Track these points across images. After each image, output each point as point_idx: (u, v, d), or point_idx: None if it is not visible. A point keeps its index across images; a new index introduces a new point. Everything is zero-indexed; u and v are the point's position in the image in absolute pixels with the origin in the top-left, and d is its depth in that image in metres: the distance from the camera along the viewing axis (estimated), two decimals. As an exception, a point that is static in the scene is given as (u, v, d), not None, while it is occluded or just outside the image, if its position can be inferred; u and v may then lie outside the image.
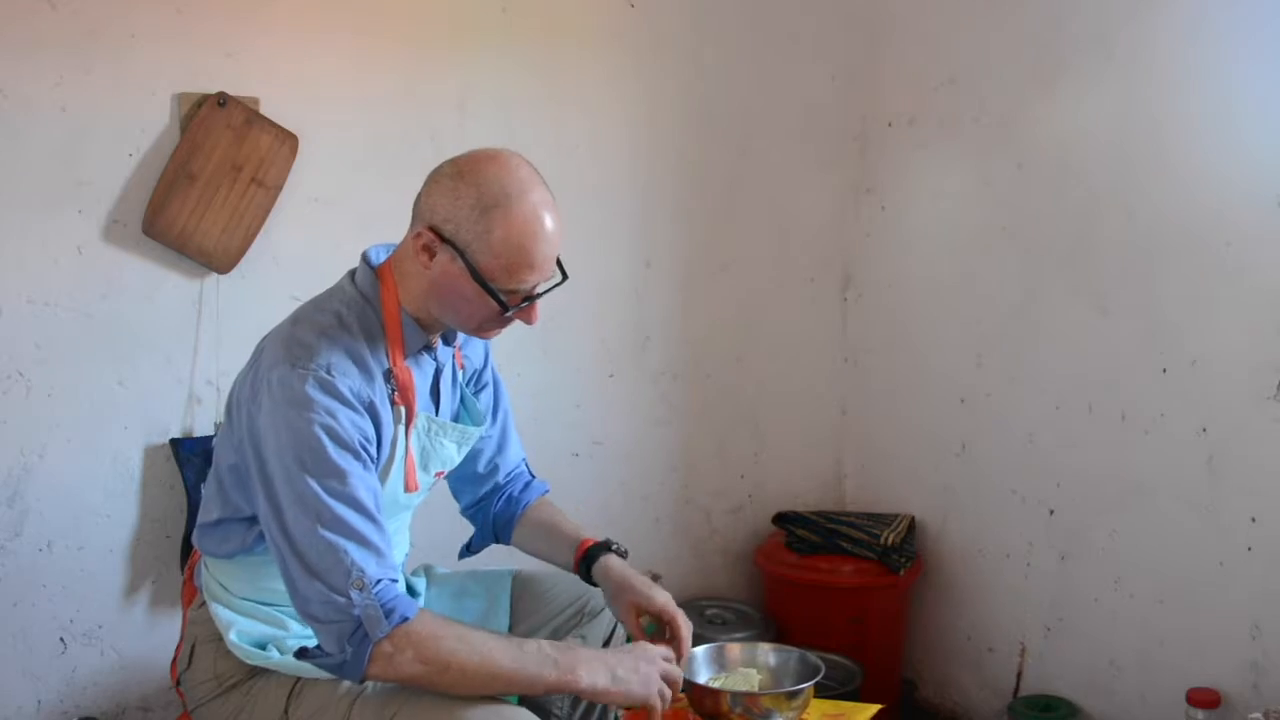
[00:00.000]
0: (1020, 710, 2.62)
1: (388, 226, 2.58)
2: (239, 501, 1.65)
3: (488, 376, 1.94)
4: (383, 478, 1.66)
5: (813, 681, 1.82)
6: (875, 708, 1.98)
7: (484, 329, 1.69)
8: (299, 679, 1.64)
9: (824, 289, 3.22)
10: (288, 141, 2.42)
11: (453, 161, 1.64)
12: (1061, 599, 2.68)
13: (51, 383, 2.29)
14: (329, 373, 1.55)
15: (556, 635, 1.88)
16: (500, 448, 1.97)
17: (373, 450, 1.60)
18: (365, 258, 1.72)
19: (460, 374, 1.85)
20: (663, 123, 2.96)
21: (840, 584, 2.86)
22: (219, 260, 2.39)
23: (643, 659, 1.64)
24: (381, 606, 1.50)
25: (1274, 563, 2.26)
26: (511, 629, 1.91)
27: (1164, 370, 2.43)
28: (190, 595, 1.80)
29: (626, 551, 1.89)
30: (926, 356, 3.01)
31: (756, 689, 1.88)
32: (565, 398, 2.86)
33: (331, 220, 2.53)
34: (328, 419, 1.53)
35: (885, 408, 3.16)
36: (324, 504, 1.51)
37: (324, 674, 1.59)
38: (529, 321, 1.66)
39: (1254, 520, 2.29)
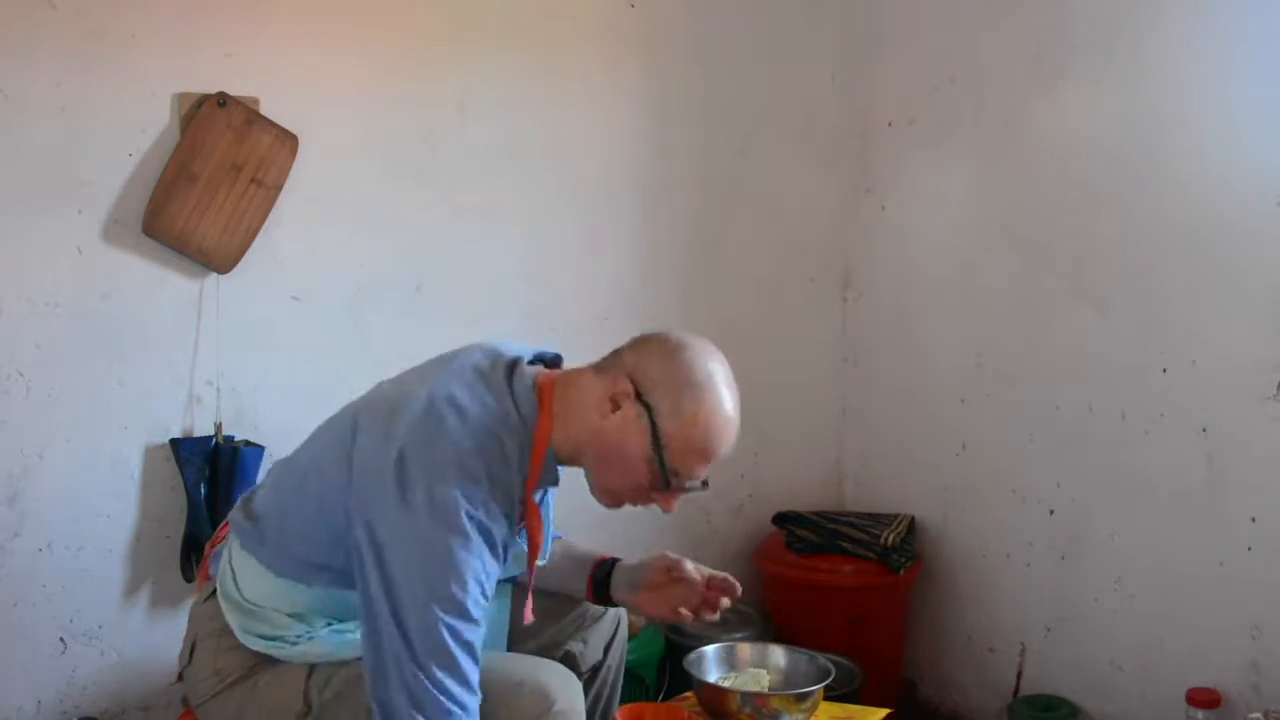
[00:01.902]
0: (1020, 710, 2.62)
1: (388, 226, 2.61)
2: (311, 543, 1.62)
3: None
4: None
5: (823, 684, 1.83)
6: (883, 712, 1.98)
7: (619, 495, 1.66)
8: (312, 667, 1.66)
9: (824, 289, 3.22)
10: (288, 141, 2.42)
11: (671, 334, 1.66)
12: (1061, 599, 2.68)
13: (51, 383, 2.29)
14: (486, 514, 1.53)
15: (558, 643, 1.90)
16: None
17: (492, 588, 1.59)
18: (524, 367, 1.67)
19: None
20: (662, 123, 2.95)
21: (840, 584, 2.85)
22: (219, 260, 2.39)
23: None
24: None
25: (1274, 563, 2.26)
26: (512, 636, 1.91)
27: (1164, 370, 2.43)
28: (202, 580, 1.80)
29: None
30: (926, 356, 3.01)
31: (766, 690, 1.88)
32: (565, 398, 2.86)
33: (331, 220, 2.53)
34: (478, 565, 1.52)
35: (885, 408, 3.16)
36: (456, 657, 1.50)
37: (332, 657, 1.63)
38: (667, 509, 1.65)
39: (1254, 520, 2.29)
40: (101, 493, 2.35)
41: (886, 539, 2.86)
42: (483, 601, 1.54)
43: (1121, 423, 2.52)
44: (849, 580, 2.85)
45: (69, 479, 2.31)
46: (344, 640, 1.68)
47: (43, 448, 2.29)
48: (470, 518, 1.51)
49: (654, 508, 1.68)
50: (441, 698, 1.49)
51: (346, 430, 1.61)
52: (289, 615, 1.68)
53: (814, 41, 3.14)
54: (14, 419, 2.26)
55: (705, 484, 1.64)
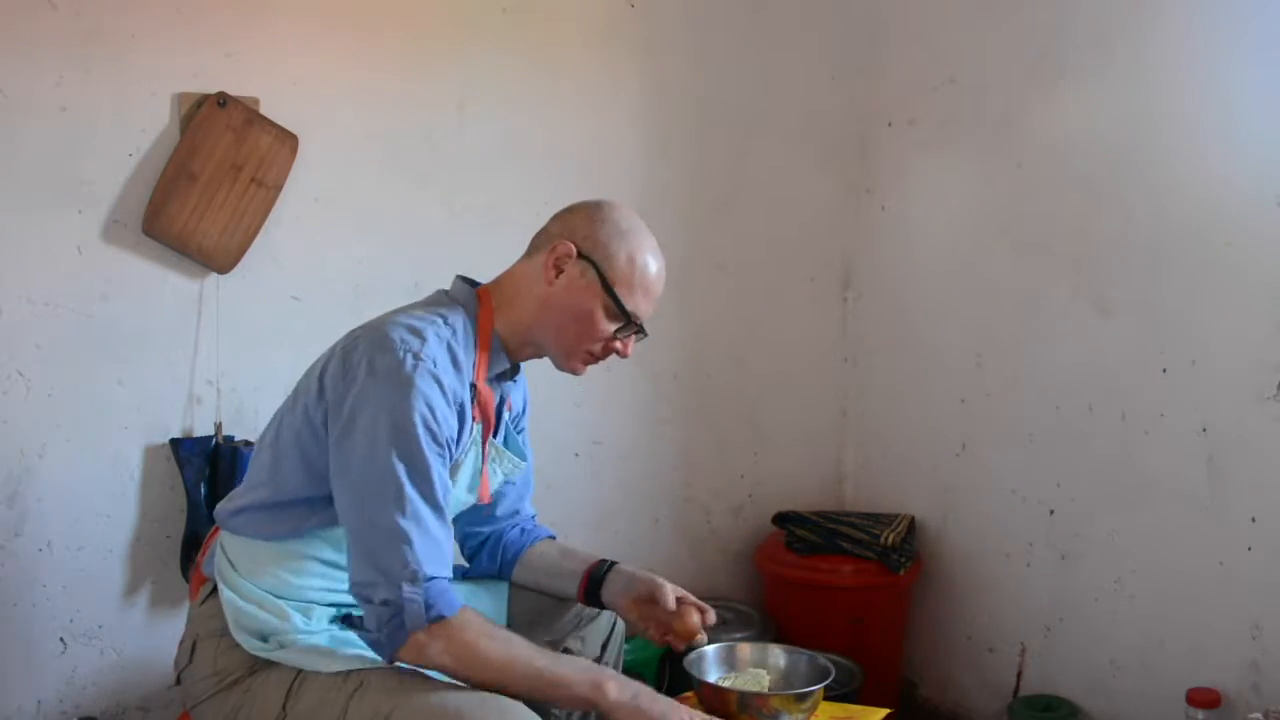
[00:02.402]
0: (1020, 710, 2.62)
1: (388, 226, 2.61)
2: (299, 484, 1.67)
3: (524, 424, 1.98)
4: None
5: (823, 684, 1.83)
6: (884, 711, 1.98)
7: (580, 356, 1.78)
8: (298, 674, 1.65)
9: (824, 289, 3.22)
10: (288, 141, 2.42)
11: (585, 201, 1.81)
12: (1061, 599, 2.68)
13: (51, 383, 2.29)
14: (435, 366, 1.62)
15: (555, 640, 1.90)
16: (521, 495, 2.01)
17: (454, 450, 1.67)
18: (462, 279, 1.82)
19: (508, 413, 1.89)
20: (662, 123, 2.96)
21: (840, 584, 2.86)
22: (219, 260, 2.39)
23: (671, 708, 1.66)
24: (425, 602, 1.54)
25: (1274, 563, 2.26)
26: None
27: (1164, 370, 2.43)
28: (198, 585, 1.80)
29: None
30: (926, 356, 3.01)
31: (766, 690, 1.88)
32: (565, 397, 2.86)
33: (331, 220, 2.53)
34: (427, 410, 1.59)
35: (885, 408, 3.16)
36: (405, 492, 1.56)
37: (321, 669, 1.62)
38: (624, 353, 1.79)
39: (1254, 520, 2.29)
40: (101, 493, 2.35)
41: (886, 539, 2.86)
42: (434, 444, 1.59)
43: (1121, 423, 2.52)
44: (849, 580, 2.85)
45: (69, 479, 2.32)
46: (336, 638, 1.68)
47: (43, 448, 2.29)
48: (413, 368, 1.59)
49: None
50: (391, 539, 1.54)
51: (313, 376, 1.71)
52: (291, 602, 1.69)
53: (814, 41, 3.14)
54: (14, 419, 2.27)
55: (643, 330, 1.80)
